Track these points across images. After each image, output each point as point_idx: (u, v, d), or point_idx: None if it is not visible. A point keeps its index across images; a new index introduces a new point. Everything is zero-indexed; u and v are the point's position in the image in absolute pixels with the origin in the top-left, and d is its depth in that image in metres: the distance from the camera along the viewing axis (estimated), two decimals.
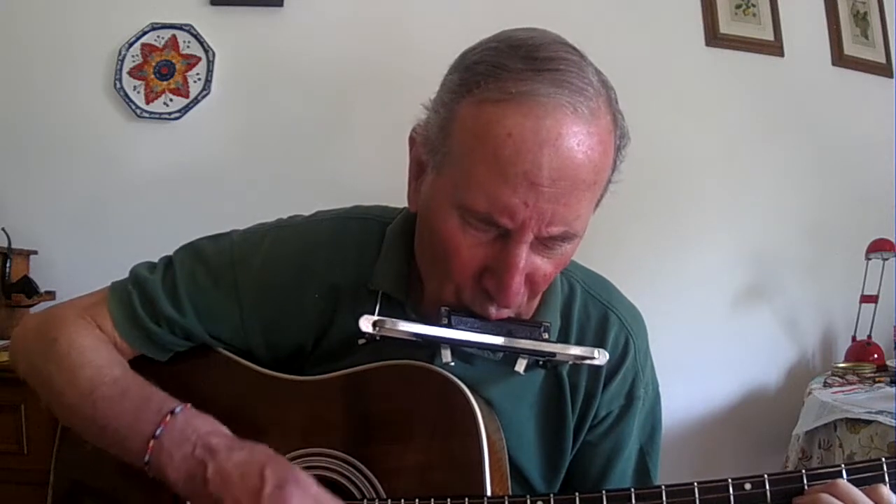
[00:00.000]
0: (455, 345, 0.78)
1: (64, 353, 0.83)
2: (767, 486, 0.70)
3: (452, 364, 0.79)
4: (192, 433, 0.74)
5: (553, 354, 0.79)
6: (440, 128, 0.73)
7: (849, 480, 0.70)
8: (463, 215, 0.71)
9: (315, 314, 0.86)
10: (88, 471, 0.87)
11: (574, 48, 0.73)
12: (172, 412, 0.76)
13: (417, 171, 0.79)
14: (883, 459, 0.70)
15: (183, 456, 0.73)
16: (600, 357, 0.80)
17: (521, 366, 0.80)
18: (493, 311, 0.76)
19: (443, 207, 0.72)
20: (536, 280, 0.74)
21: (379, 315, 0.80)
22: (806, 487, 0.70)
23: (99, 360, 0.82)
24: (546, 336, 0.79)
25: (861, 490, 0.69)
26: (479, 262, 0.73)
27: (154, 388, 0.80)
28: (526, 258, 0.71)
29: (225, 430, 0.77)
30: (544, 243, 0.72)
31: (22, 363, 0.88)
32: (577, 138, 0.68)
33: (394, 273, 0.84)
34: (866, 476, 0.70)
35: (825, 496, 0.68)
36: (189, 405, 0.78)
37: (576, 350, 0.80)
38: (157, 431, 0.75)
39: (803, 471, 0.71)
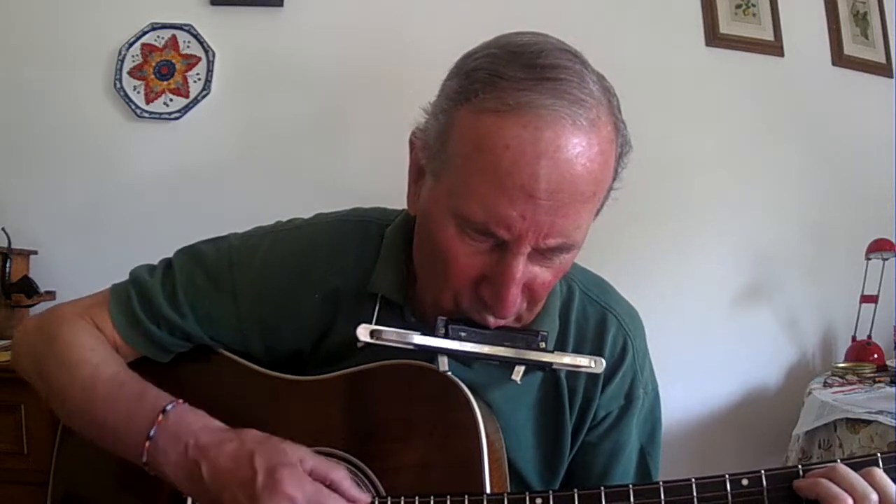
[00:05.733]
0: (452, 355, 0.78)
1: (63, 351, 0.83)
2: (764, 483, 0.70)
3: (449, 372, 0.78)
4: (183, 432, 0.75)
5: (550, 364, 0.79)
6: (439, 134, 0.72)
7: None
8: (460, 224, 0.70)
9: (314, 318, 0.86)
10: (88, 471, 0.87)
11: (575, 54, 0.71)
12: (164, 410, 0.76)
13: (417, 174, 0.79)
14: (878, 454, 0.70)
15: (178, 456, 0.74)
16: (597, 367, 0.80)
17: (517, 374, 0.79)
18: (491, 319, 0.76)
19: (440, 215, 0.72)
20: (535, 288, 0.74)
21: (377, 318, 0.81)
22: None
23: (96, 357, 0.82)
24: (543, 345, 0.79)
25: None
26: (476, 271, 0.72)
27: (148, 385, 0.80)
28: (523, 269, 0.71)
29: (215, 423, 0.77)
30: (542, 253, 0.71)
31: (24, 362, 0.88)
32: (575, 150, 0.67)
33: (392, 276, 0.84)
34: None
35: (824, 480, 0.69)
36: (181, 401, 0.78)
37: (573, 359, 0.80)
38: (152, 432, 0.75)
39: (799, 466, 0.71)
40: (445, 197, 0.71)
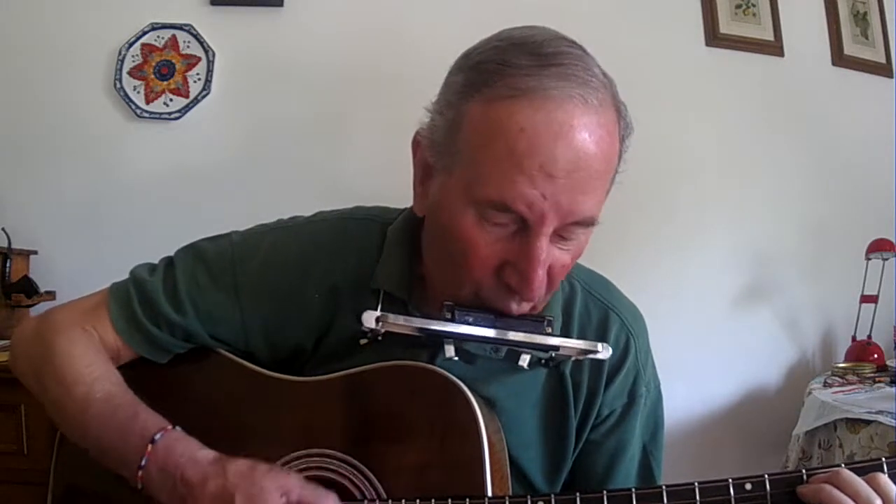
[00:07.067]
0: (458, 339, 0.77)
1: (59, 365, 0.83)
2: (768, 487, 0.70)
3: (455, 358, 0.78)
4: (171, 465, 0.75)
5: (556, 348, 0.79)
6: (448, 129, 0.73)
7: None
8: (479, 211, 0.71)
9: (316, 315, 0.85)
10: (88, 471, 0.87)
11: (574, 42, 0.73)
12: (153, 440, 0.77)
13: (424, 174, 0.78)
14: (883, 459, 0.70)
15: (167, 491, 0.75)
16: (604, 351, 0.80)
17: (524, 361, 0.80)
18: (514, 306, 0.76)
19: (457, 207, 0.72)
20: (555, 272, 0.75)
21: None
22: None
23: (92, 374, 0.82)
24: (549, 330, 0.78)
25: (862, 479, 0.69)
26: (498, 257, 0.73)
27: (140, 407, 0.80)
28: (547, 250, 0.71)
29: (202, 454, 0.76)
30: (561, 233, 0.72)
31: (22, 367, 0.88)
32: (588, 129, 0.69)
33: (396, 272, 0.84)
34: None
35: (828, 486, 0.69)
36: (170, 427, 0.78)
37: (579, 343, 0.80)
38: (143, 462, 0.76)
39: (804, 470, 0.71)
40: (461, 188, 0.72)
